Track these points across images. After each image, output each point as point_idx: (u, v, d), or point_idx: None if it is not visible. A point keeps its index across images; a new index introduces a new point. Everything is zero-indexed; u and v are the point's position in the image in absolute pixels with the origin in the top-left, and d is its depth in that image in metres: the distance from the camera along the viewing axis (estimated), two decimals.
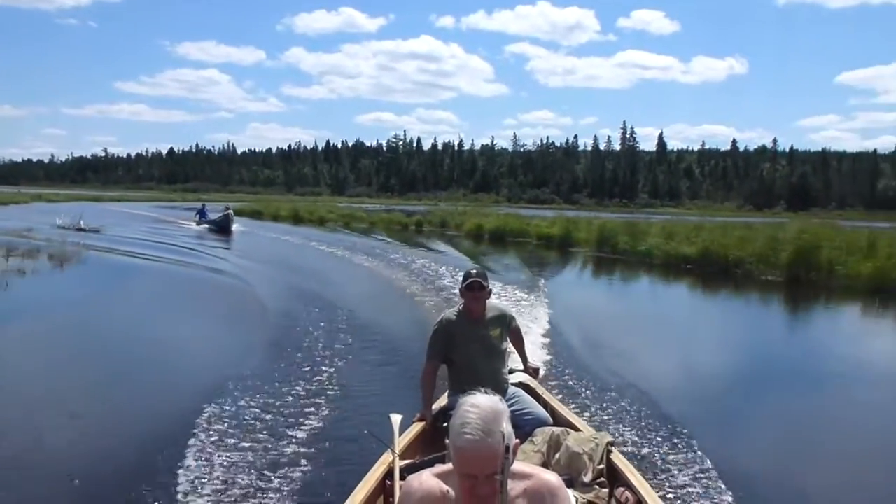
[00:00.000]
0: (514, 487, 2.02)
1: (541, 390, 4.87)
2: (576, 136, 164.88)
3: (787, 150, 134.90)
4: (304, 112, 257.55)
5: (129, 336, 9.91)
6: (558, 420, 4.31)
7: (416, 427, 4.27)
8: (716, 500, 4.50)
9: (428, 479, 2.13)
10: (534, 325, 10.28)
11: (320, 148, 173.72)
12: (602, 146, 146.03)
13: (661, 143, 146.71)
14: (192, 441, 5.36)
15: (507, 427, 1.94)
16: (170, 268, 17.39)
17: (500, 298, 11.89)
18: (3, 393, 7.02)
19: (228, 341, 9.72)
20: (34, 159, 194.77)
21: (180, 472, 4.78)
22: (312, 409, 6.29)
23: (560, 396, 5.09)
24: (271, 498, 4.49)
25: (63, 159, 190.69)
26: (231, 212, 30.74)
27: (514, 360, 4.91)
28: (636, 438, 5.77)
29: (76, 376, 7.66)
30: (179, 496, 4.45)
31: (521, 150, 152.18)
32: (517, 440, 2.03)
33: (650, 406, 6.66)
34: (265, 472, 4.87)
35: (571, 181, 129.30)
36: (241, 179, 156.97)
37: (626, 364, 8.59)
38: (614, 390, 7.15)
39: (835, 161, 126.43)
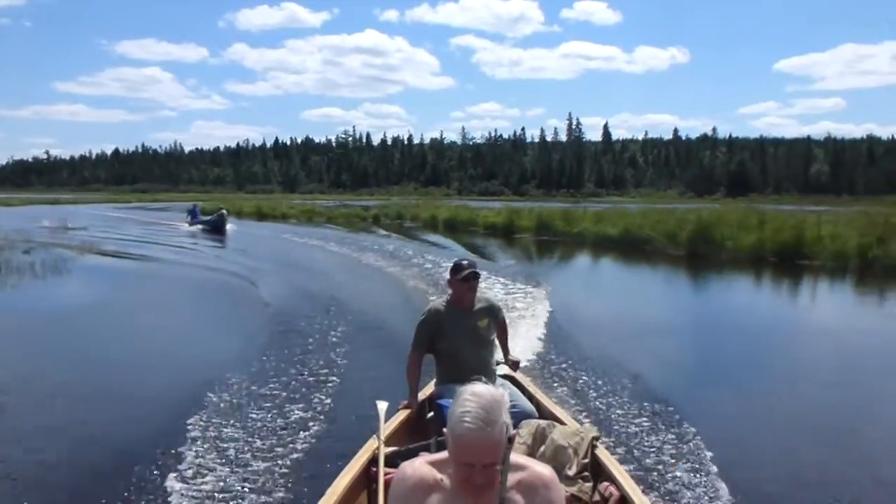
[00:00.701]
0: (508, 479, 2.02)
1: (526, 383, 4.91)
2: (523, 129, 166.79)
3: (727, 137, 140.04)
4: (250, 109, 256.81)
5: (130, 326, 10.55)
6: (543, 413, 4.34)
7: (402, 415, 4.30)
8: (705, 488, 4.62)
9: (421, 466, 2.11)
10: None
11: (269, 145, 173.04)
12: (549, 137, 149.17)
13: (607, 133, 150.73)
14: (177, 429, 5.55)
15: (507, 417, 1.95)
16: (171, 265, 18.43)
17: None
18: (16, 373, 7.51)
19: (222, 331, 10.12)
20: None
21: (167, 458, 4.97)
22: (298, 396, 6.47)
23: (544, 390, 5.26)
24: (255, 483, 4.62)
25: (3, 163, 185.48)
26: (225, 212, 31.23)
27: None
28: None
29: (74, 368, 8.02)
30: (163, 480, 4.63)
31: (470, 143, 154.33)
32: (514, 431, 2.04)
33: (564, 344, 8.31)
34: (248, 457, 5.02)
35: (520, 173, 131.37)
36: (191, 179, 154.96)
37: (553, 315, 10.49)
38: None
39: (772, 148, 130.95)
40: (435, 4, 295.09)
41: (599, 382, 6.95)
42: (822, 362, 8.76)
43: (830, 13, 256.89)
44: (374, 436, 3.74)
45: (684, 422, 5.81)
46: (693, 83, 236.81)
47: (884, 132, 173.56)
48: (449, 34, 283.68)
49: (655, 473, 4.80)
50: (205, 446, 5.19)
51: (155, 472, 4.73)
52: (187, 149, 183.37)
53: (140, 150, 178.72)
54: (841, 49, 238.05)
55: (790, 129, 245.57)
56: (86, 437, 5.64)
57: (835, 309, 13.18)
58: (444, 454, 2.06)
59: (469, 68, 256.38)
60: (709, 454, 5.11)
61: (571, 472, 3.51)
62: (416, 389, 4.43)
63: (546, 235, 26.81)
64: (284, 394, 6.49)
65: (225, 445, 5.22)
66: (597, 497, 3.41)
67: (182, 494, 4.42)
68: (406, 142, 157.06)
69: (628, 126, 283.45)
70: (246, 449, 5.16)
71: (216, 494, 4.43)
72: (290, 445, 5.24)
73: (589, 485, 3.49)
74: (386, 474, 3.21)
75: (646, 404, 6.28)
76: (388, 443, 3.71)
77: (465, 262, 4.40)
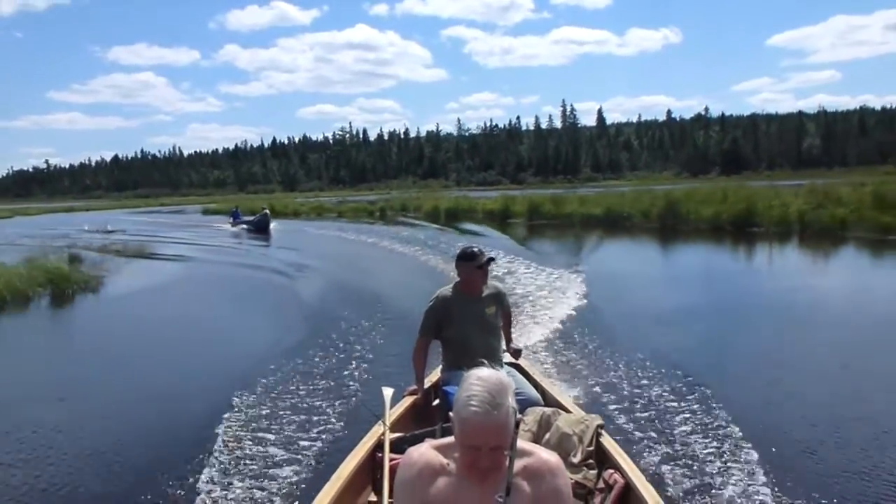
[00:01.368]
0: (514, 465, 2.01)
1: (532, 370, 4.90)
2: (518, 118, 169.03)
3: (720, 116, 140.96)
4: (244, 109, 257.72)
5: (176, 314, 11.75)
6: (549, 401, 4.32)
7: (408, 401, 4.34)
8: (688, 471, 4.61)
9: (427, 451, 2.12)
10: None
11: (267, 145, 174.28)
12: (544, 125, 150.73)
13: (601, 117, 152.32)
14: (182, 414, 6.02)
15: (513, 401, 1.95)
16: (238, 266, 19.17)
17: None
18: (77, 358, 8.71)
19: (275, 323, 10.46)
20: None
21: (180, 445, 5.31)
22: (308, 379, 6.71)
23: (549, 378, 5.34)
24: (261, 467, 4.72)
25: (3, 174, 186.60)
26: (268, 212, 31.78)
27: None
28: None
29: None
30: (171, 464, 4.89)
31: (466, 134, 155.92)
32: (520, 416, 2.04)
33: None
34: (256, 440, 5.17)
35: (516, 162, 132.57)
36: (191, 182, 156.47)
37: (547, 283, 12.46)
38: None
39: (764, 124, 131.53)
40: None
41: (576, 337, 8.28)
42: (757, 307, 10.63)
43: None
44: (380, 422, 3.76)
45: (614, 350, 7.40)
46: (686, 63, 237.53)
47: (879, 102, 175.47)
48: (439, 25, 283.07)
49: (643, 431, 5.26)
50: (210, 432, 5.37)
51: (183, 466, 4.87)
52: (185, 152, 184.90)
53: (139, 155, 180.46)
54: (833, 21, 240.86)
55: (786, 104, 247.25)
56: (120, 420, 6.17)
57: (766, 263, 16.23)
58: (449, 439, 2.08)
59: (461, 59, 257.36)
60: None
61: (576, 459, 3.52)
62: (423, 376, 4.47)
63: (537, 219, 29.75)
64: (290, 376, 6.81)
65: (227, 427, 5.46)
66: (601, 484, 3.41)
67: (189, 479, 4.60)
68: (402, 136, 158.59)
69: (623, 109, 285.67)
70: (247, 433, 5.32)
71: (224, 480, 4.55)
72: (296, 429, 5.37)
73: (594, 472, 3.49)
74: (391, 460, 3.24)
75: (588, 340, 7.92)
76: (393, 429, 3.72)
77: (474, 249, 4.38)
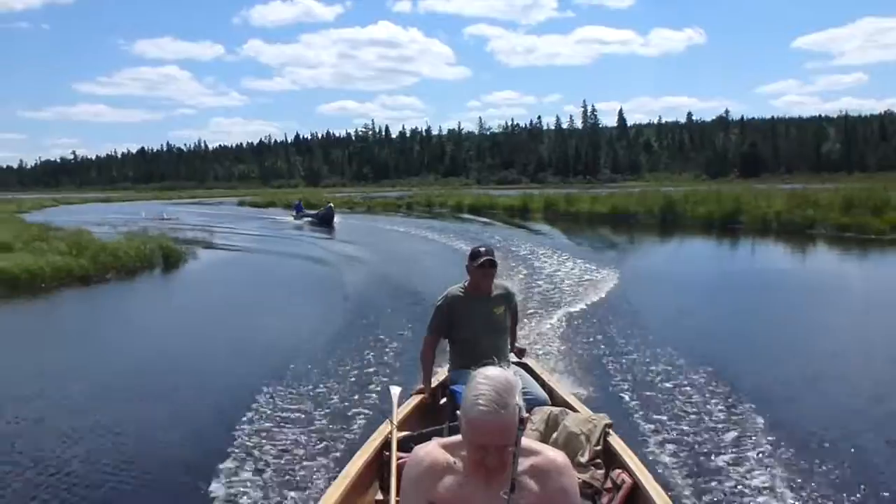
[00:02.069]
0: (521, 463, 1.99)
1: (539, 370, 4.92)
2: (539, 117, 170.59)
3: (741, 119, 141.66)
4: (267, 104, 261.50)
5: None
6: (556, 400, 4.33)
7: (415, 400, 4.35)
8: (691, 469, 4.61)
9: (434, 449, 2.14)
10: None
11: (290, 140, 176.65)
12: (565, 125, 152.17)
13: (622, 118, 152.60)
14: (196, 407, 6.18)
15: (519, 400, 1.97)
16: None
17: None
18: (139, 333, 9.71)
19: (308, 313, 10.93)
20: (2, 165, 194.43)
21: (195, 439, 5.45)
22: (329, 374, 6.77)
23: (557, 377, 5.40)
24: (270, 463, 4.72)
25: (32, 164, 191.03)
26: (332, 205, 32.33)
27: None
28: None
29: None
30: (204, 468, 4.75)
31: (487, 132, 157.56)
32: (527, 414, 2.09)
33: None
34: (265, 436, 5.18)
35: (537, 161, 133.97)
36: (216, 175, 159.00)
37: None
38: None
39: (786, 127, 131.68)
40: None
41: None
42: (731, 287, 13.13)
43: None
44: (388, 420, 3.77)
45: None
46: (710, 64, 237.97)
47: None
48: (462, 23, 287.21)
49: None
50: (224, 428, 5.38)
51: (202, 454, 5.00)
52: (209, 146, 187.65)
53: (165, 148, 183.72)
54: (861, 23, 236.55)
55: (811, 107, 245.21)
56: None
57: (739, 251, 19.92)
58: (456, 437, 2.10)
59: (484, 57, 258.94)
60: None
61: (584, 458, 3.52)
62: (430, 375, 4.49)
63: (550, 214, 33.55)
64: (306, 373, 6.84)
65: (236, 423, 5.45)
66: (609, 484, 3.40)
67: (199, 470, 4.65)
68: (424, 133, 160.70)
69: (646, 110, 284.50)
70: (258, 429, 5.35)
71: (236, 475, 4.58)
72: (305, 427, 5.40)
73: (601, 472, 3.50)
74: (399, 458, 3.26)
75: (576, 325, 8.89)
76: (401, 427, 3.75)
77: (482, 249, 4.36)
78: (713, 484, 4.32)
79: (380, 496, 3.52)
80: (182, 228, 25.55)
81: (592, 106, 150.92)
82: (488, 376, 1.98)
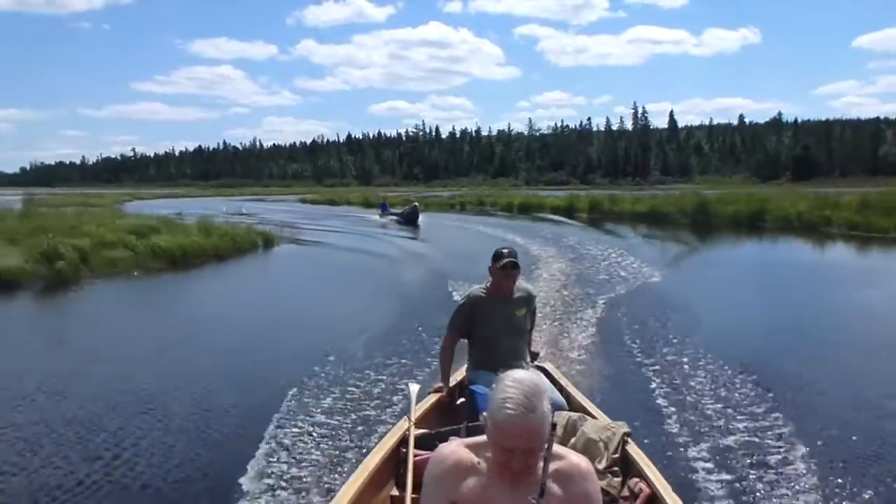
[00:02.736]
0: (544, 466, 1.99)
1: (557, 375, 4.91)
2: (589, 119, 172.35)
3: (794, 121, 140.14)
4: (319, 104, 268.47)
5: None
6: (574, 405, 4.30)
7: (433, 398, 4.37)
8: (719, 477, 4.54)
9: (458, 449, 2.12)
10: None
11: (342, 140, 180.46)
12: (615, 126, 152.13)
13: (672, 120, 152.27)
14: (218, 405, 6.12)
15: (548, 405, 1.96)
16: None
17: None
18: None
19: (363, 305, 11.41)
20: (65, 161, 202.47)
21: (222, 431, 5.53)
22: (362, 369, 6.87)
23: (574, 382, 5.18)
24: (287, 457, 4.86)
25: (93, 160, 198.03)
26: (416, 205, 33.55)
27: None
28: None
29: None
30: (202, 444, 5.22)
31: (537, 133, 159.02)
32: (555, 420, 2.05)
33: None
34: (283, 430, 5.31)
35: (586, 162, 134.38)
36: (271, 174, 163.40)
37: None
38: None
39: (841, 129, 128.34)
40: None
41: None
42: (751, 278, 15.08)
43: None
44: (405, 417, 3.77)
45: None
46: (765, 64, 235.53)
47: None
48: (513, 24, 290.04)
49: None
50: (253, 422, 5.52)
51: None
52: (263, 144, 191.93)
53: (221, 146, 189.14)
54: None
55: (870, 108, 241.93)
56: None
57: (760, 245, 22.72)
58: (480, 438, 2.08)
59: (534, 57, 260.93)
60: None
61: (601, 465, 3.48)
62: (449, 374, 4.51)
63: (595, 213, 36.96)
64: (325, 370, 6.89)
65: (257, 416, 5.60)
66: (626, 492, 3.36)
67: (225, 466, 4.78)
68: (474, 134, 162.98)
69: (698, 111, 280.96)
70: (275, 422, 5.45)
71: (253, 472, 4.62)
72: (324, 423, 5.47)
73: (618, 479, 3.47)
74: (416, 456, 3.30)
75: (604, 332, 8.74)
76: (418, 425, 3.76)
77: (505, 251, 4.35)
78: (739, 498, 4.25)
79: (395, 492, 3.52)
80: (270, 222, 27.51)
81: (643, 107, 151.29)
82: (517, 379, 1.97)
